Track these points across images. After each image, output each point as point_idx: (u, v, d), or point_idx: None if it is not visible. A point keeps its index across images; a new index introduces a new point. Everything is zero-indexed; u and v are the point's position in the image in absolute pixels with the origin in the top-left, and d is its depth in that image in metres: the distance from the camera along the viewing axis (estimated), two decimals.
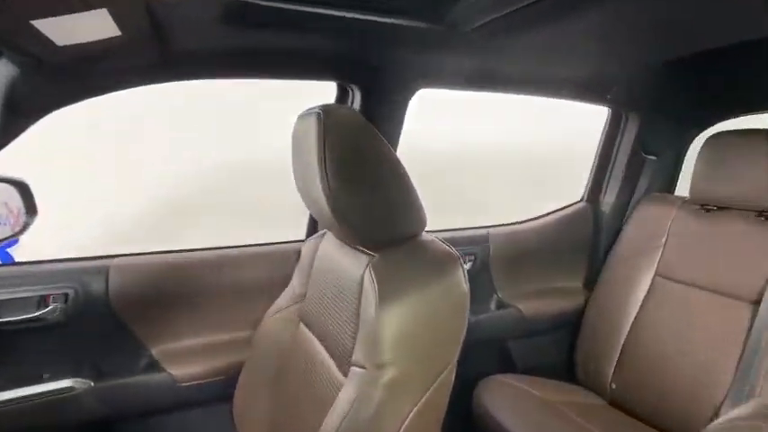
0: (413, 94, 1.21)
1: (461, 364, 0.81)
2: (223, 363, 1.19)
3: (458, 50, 1.12)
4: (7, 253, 2.06)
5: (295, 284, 1.08)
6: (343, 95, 1.21)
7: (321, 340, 0.93)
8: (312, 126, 0.77)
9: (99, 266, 1.13)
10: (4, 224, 1.20)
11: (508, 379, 1.43)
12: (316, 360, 0.92)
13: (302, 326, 1.02)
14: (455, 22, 0.97)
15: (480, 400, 1.35)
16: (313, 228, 1.34)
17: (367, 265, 0.78)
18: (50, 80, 0.90)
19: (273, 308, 1.09)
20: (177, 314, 1.20)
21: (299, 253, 1.10)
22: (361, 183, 0.77)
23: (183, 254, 1.25)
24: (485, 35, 1.03)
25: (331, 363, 0.86)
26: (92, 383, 1.09)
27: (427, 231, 0.87)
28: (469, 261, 1.50)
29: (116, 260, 1.15)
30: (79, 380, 1.09)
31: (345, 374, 0.79)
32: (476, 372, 1.42)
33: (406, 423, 0.73)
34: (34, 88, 0.89)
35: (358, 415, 0.71)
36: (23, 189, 1.22)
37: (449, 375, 0.78)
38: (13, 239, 1.34)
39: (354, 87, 1.17)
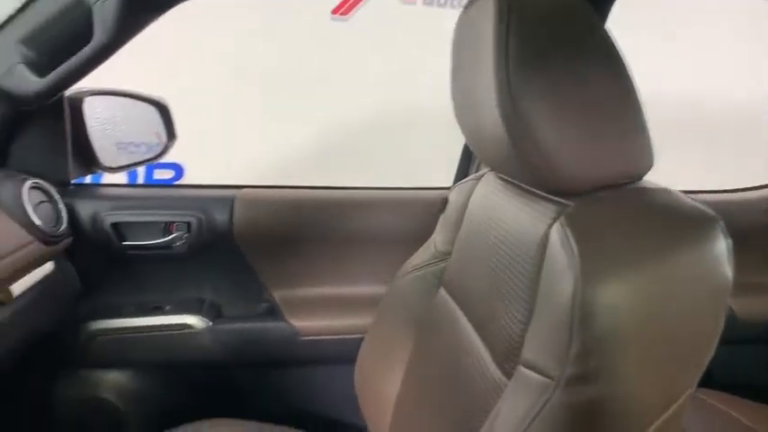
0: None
1: None
2: (349, 320, 1.03)
3: None
4: (179, 166, 2.14)
5: (437, 239, 0.85)
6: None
7: (470, 318, 0.68)
8: (489, 11, 0.50)
9: (224, 196, 1.02)
10: (156, 150, 1.16)
11: (708, 396, 1.06)
12: (462, 343, 0.68)
13: (443, 292, 0.79)
14: None
15: None
16: (465, 170, 1.09)
17: (556, 217, 0.51)
18: None
19: (408, 265, 0.88)
20: (303, 258, 1.06)
21: (445, 201, 0.87)
22: (561, 90, 0.48)
23: (316, 191, 1.10)
24: None
25: (485, 353, 0.61)
26: (210, 323, 1.01)
27: None
28: None
29: (243, 191, 1.04)
30: (199, 317, 1.01)
31: (508, 375, 0.53)
32: None
33: None
34: None
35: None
36: (164, 111, 1.16)
37: (684, 406, 0.48)
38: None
39: None
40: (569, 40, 0.50)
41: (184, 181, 2.10)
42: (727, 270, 0.46)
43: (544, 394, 0.45)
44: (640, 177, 0.54)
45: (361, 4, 2.28)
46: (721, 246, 0.46)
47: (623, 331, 0.43)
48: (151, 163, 1.19)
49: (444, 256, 0.82)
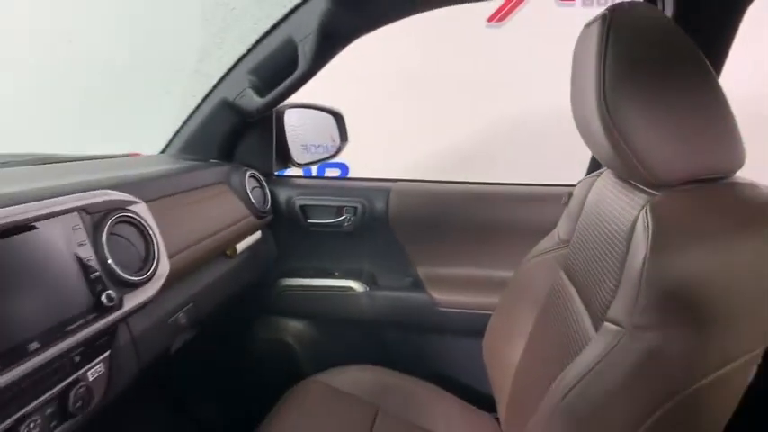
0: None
1: None
2: (480, 297, 1.19)
3: None
4: (345, 165, 2.49)
5: (560, 229, 0.97)
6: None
7: (579, 291, 0.81)
8: (595, 30, 0.63)
9: (382, 188, 1.26)
10: (331, 150, 1.46)
11: None
12: (570, 311, 0.80)
13: (562, 274, 0.91)
14: None
15: None
16: (594, 169, 1.18)
17: (644, 205, 0.61)
18: (351, 12, 1.00)
19: (534, 251, 1.01)
20: (444, 243, 1.25)
21: (570, 195, 0.98)
22: (649, 96, 0.59)
23: (458, 185, 1.28)
24: None
25: (585, 315, 0.73)
26: (368, 289, 1.25)
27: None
28: None
29: (397, 184, 1.26)
30: (359, 283, 1.26)
31: (597, 329, 0.66)
32: None
33: (658, 414, 0.55)
34: (340, 19, 1.01)
35: (600, 379, 0.58)
36: (339, 119, 1.44)
37: (743, 372, 0.55)
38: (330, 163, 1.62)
39: None
40: (658, 55, 0.61)
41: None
42: None
43: (615, 339, 0.57)
44: (731, 174, 0.61)
45: (516, 10, 2.37)
46: None
47: (677, 294, 0.53)
48: (328, 161, 1.49)
49: (565, 243, 0.94)
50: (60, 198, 0.66)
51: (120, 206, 0.74)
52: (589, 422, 0.59)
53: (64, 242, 0.64)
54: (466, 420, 1.06)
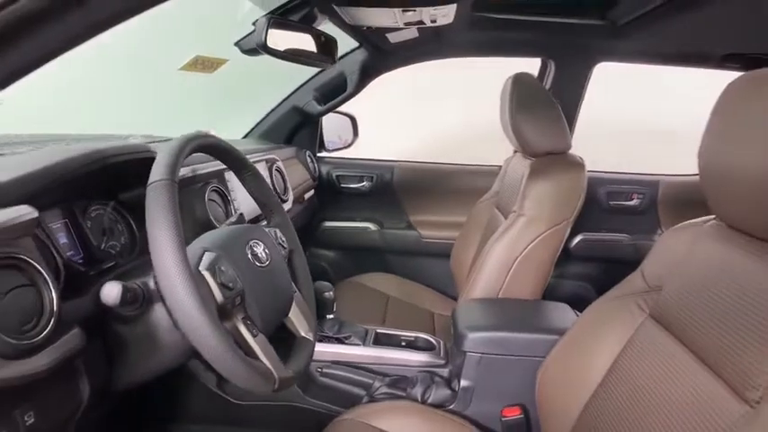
0: (592, 66, 1.69)
1: None
2: (447, 232, 1.93)
3: (622, 36, 1.53)
4: None
5: (495, 187, 1.74)
6: (544, 68, 1.77)
7: (501, 213, 1.57)
8: (509, 82, 1.41)
9: (389, 165, 2.00)
10: (338, 144, 2.17)
11: None
12: (496, 228, 1.56)
13: (495, 210, 1.67)
14: (615, 17, 1.43)
15: None
16: None
17: (528, 167, 1.38)
18: (379, 59, 1.75)
19: (479, 201, 1.77)
20: (427, 199, 2.00)
21: (501, 167, 1.76)
22: (528, 114, 1.36)
23: (436, 164, 2.04)
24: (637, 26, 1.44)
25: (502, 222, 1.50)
26: (378, 228, 1.99)
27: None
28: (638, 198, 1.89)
29: (399, 163, 2.01)
30: (373, 224, 2.00)
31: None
32: None
33: (529, 248, 1.30)
34: (373, 64, 1.74)
35: (507, 234, 1.33)
36: (352, 120, 2.17)
37: (562, 229, 1.31)
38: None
39: (550, 61, 1.73)
40: (531, 97, 1.39)
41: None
42: (582, 180, 1.32)
43: (515, 218, 1.34)
44: (564, 152, 1.40)
45: None
46: (581, 172, 1.33)
47: (535, 198, 1.31)
48: (342, 150, 2.20)
49: (496, 194, 1.70)
50: (259, 153, 1.36)
51: (275, 161, 1.45)
52: (495, 264, 1.35)
53: (264, 173, 1.35)
54: (440, 302, 1.81)
